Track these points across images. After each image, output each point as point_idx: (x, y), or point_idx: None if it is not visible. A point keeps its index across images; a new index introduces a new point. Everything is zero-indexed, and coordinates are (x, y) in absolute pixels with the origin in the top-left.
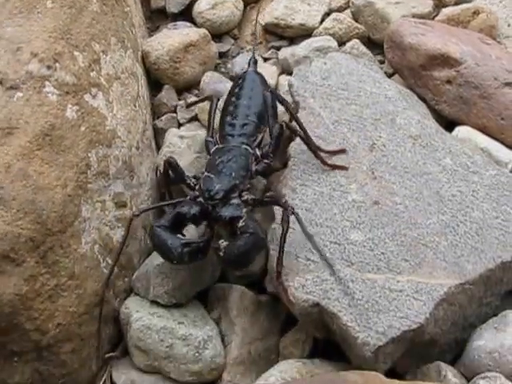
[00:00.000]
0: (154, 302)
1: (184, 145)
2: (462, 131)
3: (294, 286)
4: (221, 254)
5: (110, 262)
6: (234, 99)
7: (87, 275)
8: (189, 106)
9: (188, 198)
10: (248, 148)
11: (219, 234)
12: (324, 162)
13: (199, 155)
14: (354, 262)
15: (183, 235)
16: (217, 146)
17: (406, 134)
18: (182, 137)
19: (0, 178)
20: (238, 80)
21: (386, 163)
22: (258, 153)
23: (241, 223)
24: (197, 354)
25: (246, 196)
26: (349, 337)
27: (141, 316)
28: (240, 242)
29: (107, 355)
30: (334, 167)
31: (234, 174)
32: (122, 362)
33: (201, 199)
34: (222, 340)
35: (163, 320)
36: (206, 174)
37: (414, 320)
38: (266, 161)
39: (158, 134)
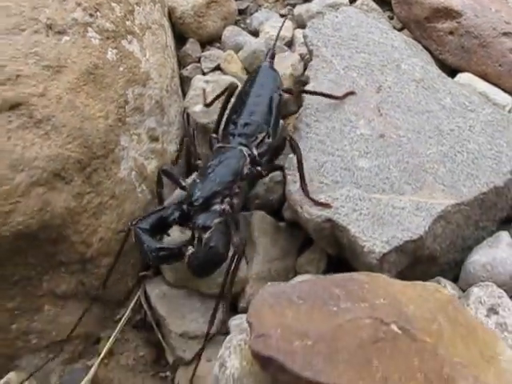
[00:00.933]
0: None
1: (209, 88)
2: (463, 77)
3: (309, 205)
4: (186, 260)
5: (144, 188)
6: (243, 96)
7: (125, 197)
8: (209, 104)
9: (178, 201)
10: (244, 150)
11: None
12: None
13: (223, 97)
14: (361, 185)
15: (168, 235)
16: (217, 146)
17: (410, 77)
18: (207, 81)
19: (52, 108)
20: (251, 75)
21: (391, 102)
22: (256, 153)
23: (207, 234)
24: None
25: (226, 204)
26: (357, 247)
27: (172, 234)
28: (199, 253)
29: (141, 273)
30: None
31: (218, 180)
32: (154, 280)
33: (185, 204)
34: (245, 258)
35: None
36: (194, 177)
37: (415, 232)
38: (258, 168)
39: (184, 83)
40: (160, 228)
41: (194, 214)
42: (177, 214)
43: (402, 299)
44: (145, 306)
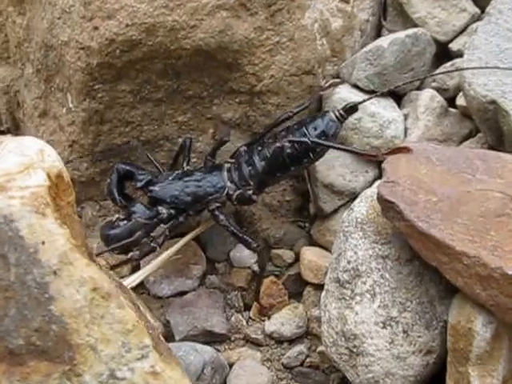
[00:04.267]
0: (355, 86)
1: None
2: None
3: (477, 83)
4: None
5: (325, 42)
6: (290, 129)
7: (304, 44)
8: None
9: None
10: (228, 186)
11: None
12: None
13: None
14: None
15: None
16: (225, 161)
17: None
18: None
19: None
20: (312, 114)
21: None
22: (235, 193)
23: (122, 222)
24: (379, 131)
25: (166, 214)
26: None
27: (339, 91)
28: (105, 225)
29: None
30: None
31: (176, 194)
32: None
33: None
34: (405, 132)
35: (358, 98)
36: (188, 168)
37: None
38: (245, 189)
39: None
40: (128, 179)
41: (144, 195)
42: (141, 183)
43: None
44: None
